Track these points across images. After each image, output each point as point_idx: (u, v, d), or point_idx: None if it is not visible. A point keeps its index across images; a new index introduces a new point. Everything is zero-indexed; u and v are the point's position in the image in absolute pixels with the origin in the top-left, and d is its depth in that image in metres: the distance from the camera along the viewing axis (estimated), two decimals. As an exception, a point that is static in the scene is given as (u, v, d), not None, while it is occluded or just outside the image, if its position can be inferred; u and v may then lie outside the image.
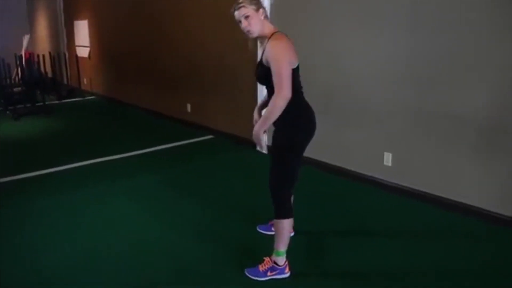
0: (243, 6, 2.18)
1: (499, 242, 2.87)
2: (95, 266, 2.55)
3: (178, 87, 6.20)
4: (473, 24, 2.99)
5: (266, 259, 2.42)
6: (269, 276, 2.37)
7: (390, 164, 3.64)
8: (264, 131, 2.22)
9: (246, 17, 2.19)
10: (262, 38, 2.26)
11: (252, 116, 2.61)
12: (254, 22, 2.20)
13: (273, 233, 2.73)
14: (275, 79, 2.10)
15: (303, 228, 2.93)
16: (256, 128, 2.23)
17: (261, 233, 2.91)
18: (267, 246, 2.50)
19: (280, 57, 2.11)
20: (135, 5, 6.83)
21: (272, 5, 4.35)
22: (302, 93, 2.34)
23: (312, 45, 4.06)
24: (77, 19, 9.04)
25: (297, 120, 2.26)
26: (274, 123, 2.21)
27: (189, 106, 6.02)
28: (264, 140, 2.25)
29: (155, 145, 5.11)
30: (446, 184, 3.32)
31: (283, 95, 2.09)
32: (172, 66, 6.24)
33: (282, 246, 2.37)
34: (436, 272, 2.50)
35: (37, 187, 3.82)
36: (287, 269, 2.40)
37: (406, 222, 3.17)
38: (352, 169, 3.95)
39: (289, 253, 2.43)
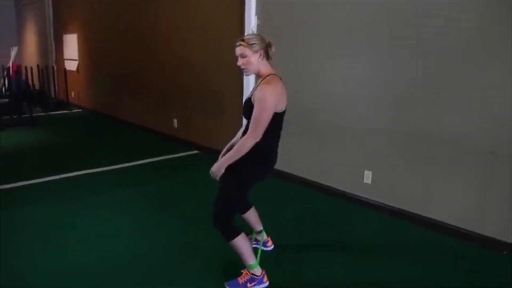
0: (242, 45, 2.23)
1: (475, 259, 2.97)
2: (78, 281, 2.54)
3: (165, 103, 6.27)
4: (449, 48, 3.14)
5: (244, 271, 2.47)
6: (249, 287, 2.43)
7: (370, 182, 3.74)
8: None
9: (243, 56, 2.24)
10: (258, 76, 2.32)
11: (237, 131, 2.67)
12: (249, 62, 2.24)
13: (255, 245, 2.81)
14: (253, 120, 2.16)
15: (283, 242, 3.00)
16: (217, 165, 2.28)
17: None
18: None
19: (265, 102, 2.14)
20: (124, 21, 6.94)
21: (258, 26, 4.50)
22: (279, 135, 2.38)
23: (294, 67, 4.18)
24: (66, 32, 9.11)
25: (264, 157, 2.30)
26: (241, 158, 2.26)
27: (175, 121, 6.09)
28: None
29: (141, 159, 5.14)
30: (425, 202, 3.43)
31: (254, 136, 2.14)
32: (160, 81, 6.32)
33: (249, 259, 2.41)
34: None
35: (21, 198, 3.82)
36: (265, 278, 2.46)
37: (385, 239, 3.25)
38: (333, 186, 4.04)
39: (268, 266, 2.49)
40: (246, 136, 2.19)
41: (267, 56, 2.30)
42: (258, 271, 2.44)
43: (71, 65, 9.00)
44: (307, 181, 4.27)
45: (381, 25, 3.51)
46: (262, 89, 2.18)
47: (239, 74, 4.80)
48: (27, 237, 3.05)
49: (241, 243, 2.36)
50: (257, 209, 2.84)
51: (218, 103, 5.28)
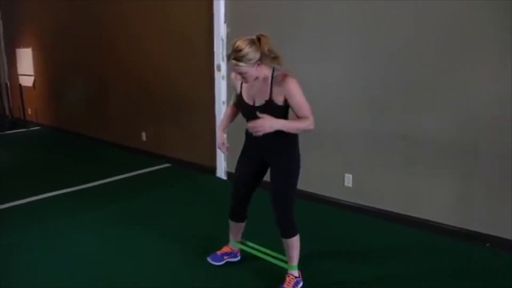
0: (236, 65, 2.13)
1: (461, 254, 3.02)
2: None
3: (132, 115, 6.07)
4: (424, 50, 3.21)
5: (289, 276, 2.49)
6: None
7: (351, 185, 3.75)
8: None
9: (242, 73, 2.17)
10: (257, 81, 2.27)
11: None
12: (250, 75, 2.19)
13: (234, 259, 2.83)
14: (304, 110, 2.22)
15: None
16: (270, 123, 2.15)
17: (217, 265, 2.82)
18: (243, 275, 2.47)
19: (300, 91, 2.22)
20: (85, 32, 6.67)
21: (228, 33, 4.43)
22: None
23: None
24: (19, 46, 8.67)
25: (297, 144, 2.44)
26: (279, 145, 2.33)
27: (144, 135, 5.90)
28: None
29: (110, 176, 4.91)
30: (408, 202, 3.47)
31: (313, 119, 2.24)
32: (126, 93, 6.11)
33: (297, 259, 2.50)
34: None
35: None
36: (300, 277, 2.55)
37: (372, 241, 3.25)
38: (314, 191, 4.02)
39: (264, 278, 2.42)
40: (308, 118, 2.22)
41: (265, 55, 2.18)
42: (297, 272, 2.52)
43: (27, 81, 8.56)
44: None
45: (358, 30, 3.54)
46: (287, 82, 2.19)
47: (210, 81, 4.71)
48: (3, 266, 2.84)
49: (299, 240, 2.46)
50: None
51: (189, 112, 5.16)
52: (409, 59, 3.28)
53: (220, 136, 2.63)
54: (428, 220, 3.36)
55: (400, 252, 3.07)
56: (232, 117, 2.64)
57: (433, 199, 3.33)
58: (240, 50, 2.10)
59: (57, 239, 3.26)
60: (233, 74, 2.36)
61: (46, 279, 2.69)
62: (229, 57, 2.15)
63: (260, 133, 2.14)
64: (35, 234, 3.35)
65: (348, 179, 3.76)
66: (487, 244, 3.09)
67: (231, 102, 2.62)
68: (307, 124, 2.22)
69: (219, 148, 2.66)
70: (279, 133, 2.21)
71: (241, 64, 2.12)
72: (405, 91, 3.33)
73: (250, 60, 2.12)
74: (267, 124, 2.14)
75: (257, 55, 2.14)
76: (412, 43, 3.25)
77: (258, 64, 2.18)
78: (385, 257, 3.00)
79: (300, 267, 2.57)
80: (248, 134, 2.44)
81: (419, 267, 2.83)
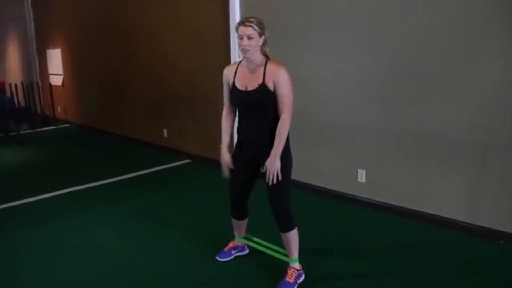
0: (251, 26, 2.27)
1: (474, 250, 2.99)
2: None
3: (154, 113, 6.22)
4: (436, 45, 3.18)
5: (291, 269, 2.52)
6: (298, 283, 2.50)
7: (364, 181, 3.75)
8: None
9: (250, 37, 2.28)
10: (252, 62, 2.37)
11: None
12: (254, 44, 2.29)
13: (242, 253, 2.88)
14: (286, 102, 2.32)
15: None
16: (271, 161, 2.31)
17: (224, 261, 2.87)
18: (248, 269, 2.54)
19: (290, 83, 2.33)
20: (109, 33, 6.88)
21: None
22: None
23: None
24: (49, 47, 9.01)
25: (288, 141, 2.43)
26: (272, 143, 2.34)
27: (165, 131, 6.04)
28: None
29: (131, 172, 5.07)
30: (421, 197, 3.45)
31: (290, 115, 2.33)
32: (148, 91, 6.28)
33: (297, 252, 2.54)
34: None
35: (13, 219, 3.73)
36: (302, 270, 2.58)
37: (385, 237, 3.25)
38: (328, 187, 4.04)
39: (272, 272, 2.46)
40: (285, 118, 2.31)
41: (265, 41, 2.36)
42: (299, 265, 2.56)
43: (56, 80, 8.90)
44: (300, 184, 4.24)
45: (369, 25, 3.53)
46: (284, 72, 2.31)
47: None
48: (22, 260, 2.98)
49: (297, 234, 2.50)
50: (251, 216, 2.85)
51: (208, 110, 5.24)
52: (419, 55, 3.25)
53: (225, 156, 2.64)
54: (441, 216, 3.32)
55: (412, 248, 3.06)
56: (230, 129, 2.70)
57: (446, 195, 3.30)
58: (251, 17, 2.32)
59: (75, 234, 3.39)
60: (225, 71, 2.51)
61: (62, 272, 2.80)
62: (241, 23, 2.29)
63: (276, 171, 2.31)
64: (54, 228, 3.50)
65: (361, 175, 3.76)
66: (501, 241, 3.04)
67: (225, 110, 2.69)
68: (285, 128, 2.32)
69: (224, 167, 2.65)
70: (270, 132, 2.33)
71: (254, 25, 2.26)
72: (416, 86, 3.31)
73: (259, 27, 2.28)
74: (274, 167, 2.31)
75: (263, 30, 2.31)
76: (421, 39, 3.22)
77: (262, 41, 2.31)
78: (396, 252, 3.00)
79: (309, 261, 2.61)
80: (240, 133, 2.54)
81: (431, 263, 2.81)
